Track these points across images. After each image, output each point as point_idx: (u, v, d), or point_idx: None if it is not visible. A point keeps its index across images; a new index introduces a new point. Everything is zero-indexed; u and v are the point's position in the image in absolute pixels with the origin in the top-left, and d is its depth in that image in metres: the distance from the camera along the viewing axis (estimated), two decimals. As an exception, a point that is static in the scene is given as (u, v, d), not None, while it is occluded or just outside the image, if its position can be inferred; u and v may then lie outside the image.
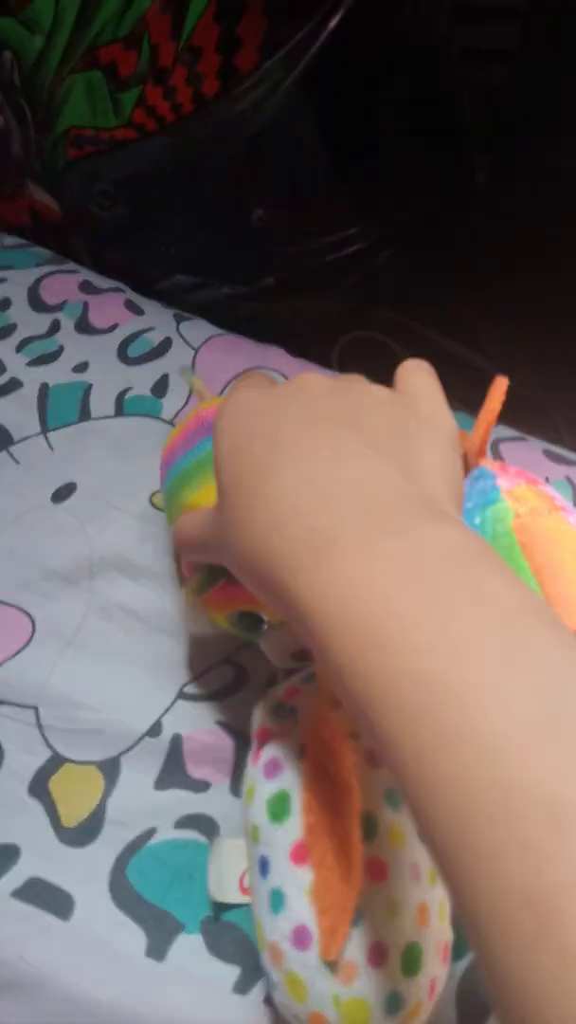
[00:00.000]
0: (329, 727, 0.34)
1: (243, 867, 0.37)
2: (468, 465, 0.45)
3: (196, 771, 0.43)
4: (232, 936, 0.38)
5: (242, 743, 0.43)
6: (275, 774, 0.35)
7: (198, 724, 0.44)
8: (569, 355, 0.76)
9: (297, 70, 0.63)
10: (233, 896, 0.37)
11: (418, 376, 0.34)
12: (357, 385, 0.32)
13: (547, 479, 0.53)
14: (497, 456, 0.54)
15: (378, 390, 0.32)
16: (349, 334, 0.85)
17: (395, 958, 0.31)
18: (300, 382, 0.32)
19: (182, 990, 0.37)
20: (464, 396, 0.48)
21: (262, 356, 0.60)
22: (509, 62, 0.73)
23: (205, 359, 0.59)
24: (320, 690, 0.36)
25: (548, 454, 0.55)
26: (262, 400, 0.31)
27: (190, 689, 0.45)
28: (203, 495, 0.42)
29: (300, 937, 0.31)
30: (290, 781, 0.34)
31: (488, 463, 0.45)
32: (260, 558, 0.27)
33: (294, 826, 0.33)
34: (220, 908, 0.38)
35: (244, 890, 0.37)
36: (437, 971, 0.32)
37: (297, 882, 0.32)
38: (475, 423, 0.46)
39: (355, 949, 0.31)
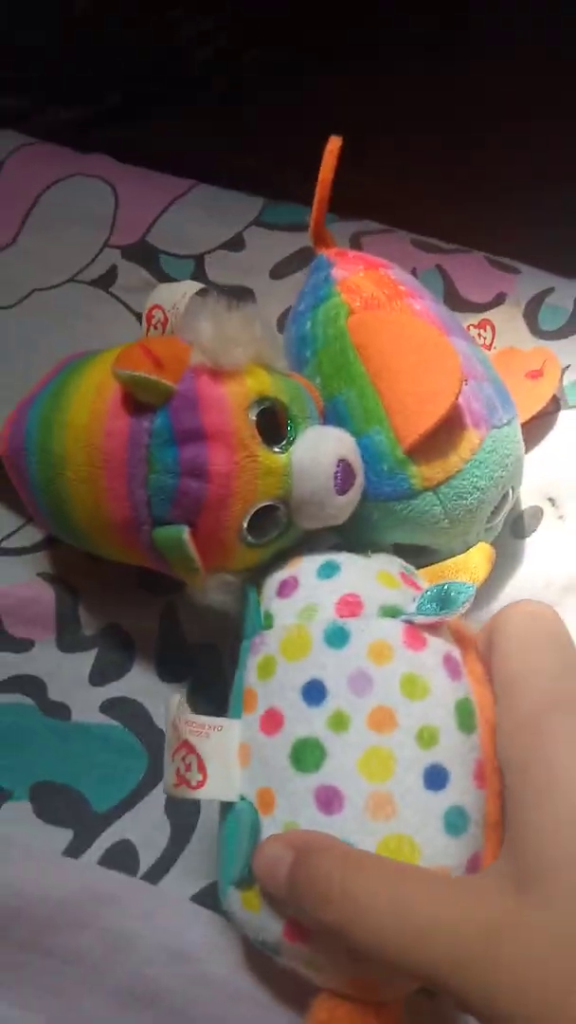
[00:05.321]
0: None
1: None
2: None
3: (16, 629, 0.38)
4: (65, 799, 0.35)
5: (66, 594, 0.39)
6: (458, 677, 0.29)
7: (13, 579, 0.39)
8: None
9: None
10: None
11: None
12: None
13: (414, 270, 0.46)
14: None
15: None
16: (223, 164, 0.75)
17: None
18: None
19: (5, 859, 0.34)
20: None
21: (83, 164, 0.51)
22: None
23: (13, 171, 0.50)
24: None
25: (416, 243, 0.48)
26: None
27: (7, 544, 0.40)
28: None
29: (478, 867, 0.27)
30: (469, 689, 0.29)
31: (326, 250, 0.38)
32: None
33: (475, 742, 0.28)
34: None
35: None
36: None
37: (479, 806, 0.27)
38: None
39: None
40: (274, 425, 0.31)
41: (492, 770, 0.27)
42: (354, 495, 0.31)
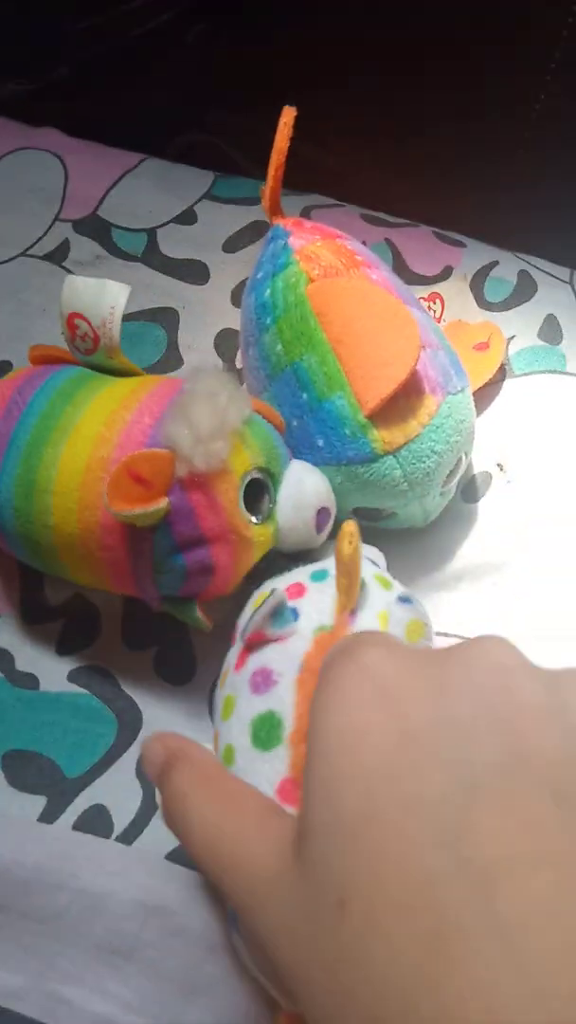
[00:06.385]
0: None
1: None
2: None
3: (-20, 602, 0.38)
4: (37, 766, 0.35)
5: (29, 567, 0.39)
6: (265, 690, 0.28)
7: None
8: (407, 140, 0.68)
9: None
10: None
11: None
12: None
13: (364, 243, 0.47)
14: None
15: None
16: (173, 140, 0.74)
17: None
18: (494, 672, 0.20)
19: (-20, 827, 0.34)
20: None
21: (31, 137, 0.50)
22: None
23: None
24: (338, 599, 0.29)
25: (366, 217, 0.49)
26: (413, 701, 0.19)
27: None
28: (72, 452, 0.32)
29: None
30: (283, 703, 0.28)
31: (282, 220, 0.39)
32: None
33: (282, 758, 0.27)
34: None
35: None
36: None
37: None
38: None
39: None
40: (258, 490, 0.33)
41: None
42: (329, 527, 0.34)
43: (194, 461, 0.30)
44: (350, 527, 0.28)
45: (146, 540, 0.31)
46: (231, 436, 0.31)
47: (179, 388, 0.32)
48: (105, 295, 0.32)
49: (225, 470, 0.31)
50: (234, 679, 0.29)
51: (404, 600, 0.30)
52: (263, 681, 0.28)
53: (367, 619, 0.29)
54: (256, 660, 0.29)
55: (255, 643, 0.29)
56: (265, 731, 0.27)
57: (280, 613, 0.29)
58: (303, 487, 0.33)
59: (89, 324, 0.32)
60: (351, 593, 0.29)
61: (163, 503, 0.30)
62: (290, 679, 0.28)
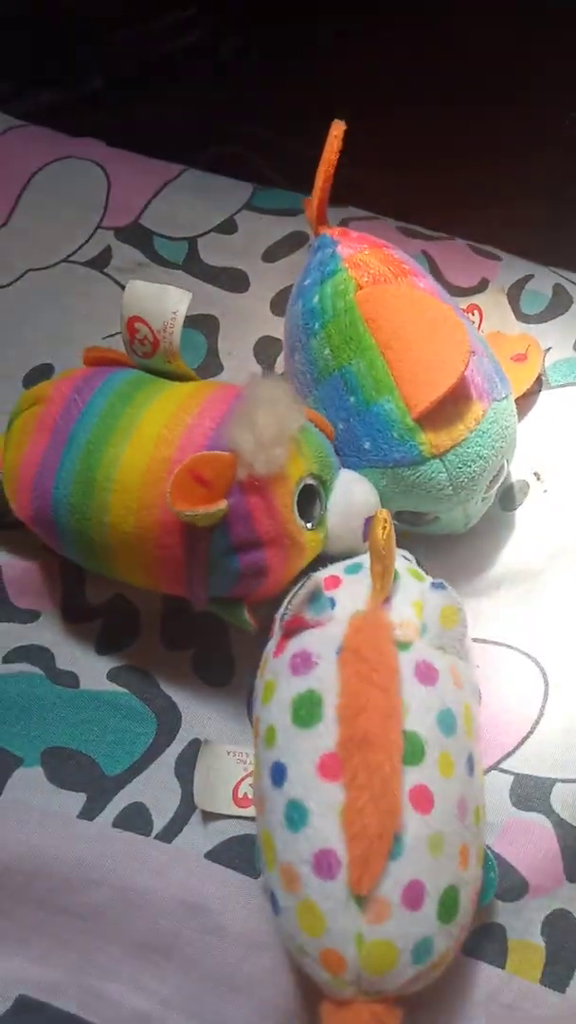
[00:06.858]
0: (376, 629, 0.29)
1: (238, 775, 0.34)
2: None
3: (21, 600, 0.39)
4: (76, 763, 0.36)
5: (70, 565, 0.39)
6: (305, 671, 0.29)
7: (18, 552, 0.40)
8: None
9: None
10: (224, 806, 0.34)
11: None
12: None
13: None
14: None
15: None
16: (205, 151, 0.75)
17: (432, 900, 0.27)
18: None
19: (20, 822, 0.34)
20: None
21: (74, 146, 0.52)
22: None
23: (4, 153, 0.50)
24: (373, 585, 0.30)
25: (402, 230, 0.50)
26: None
27: (11, 519, 0.41)
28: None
29: (324, 863, 0.27)
30: (323, 682, 0.29)
31: (328, 230, 0.40)
32: None
33: (325, 735, 0.28)
34: (208, 815, 0.34)
35: (238, 801, 0.34)
36: (467, 920, 0.29)
37: (324, 799, 0.27)
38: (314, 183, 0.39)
39: (389, 885, 0.27)
40: (310, 497, 0.33)
41: (350, 755, 0.27)
42: None
43: (255, 465, 0.31)
44: (384, 513, 0.29)
45: (204, 540, 0.31)
46: (289, 442, 0.31)
47: (238, 393, 0.33)
48: (167, 300, 0.33)
49: (282, 475, 0.31)
50: (273, 664, 0.31)
51: (437, 586, 0.31)
52: (302, 663, 0.29)
53: (401, 606, 0.30)
54: (295, 644, 0.30)
55: (293, 629, 0.30)
56: (305, 709, 0.28)
57: (317, 599, 0.30)
58: (352, 496, 0.34)
59: (149, 328, 0.33)
60: (386, 579, 0.29)
61: (223, 504, 0.30)
62: (330, 659, 0.29)
